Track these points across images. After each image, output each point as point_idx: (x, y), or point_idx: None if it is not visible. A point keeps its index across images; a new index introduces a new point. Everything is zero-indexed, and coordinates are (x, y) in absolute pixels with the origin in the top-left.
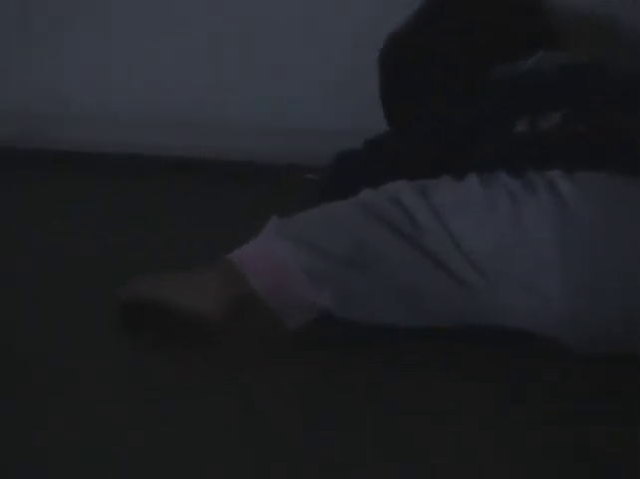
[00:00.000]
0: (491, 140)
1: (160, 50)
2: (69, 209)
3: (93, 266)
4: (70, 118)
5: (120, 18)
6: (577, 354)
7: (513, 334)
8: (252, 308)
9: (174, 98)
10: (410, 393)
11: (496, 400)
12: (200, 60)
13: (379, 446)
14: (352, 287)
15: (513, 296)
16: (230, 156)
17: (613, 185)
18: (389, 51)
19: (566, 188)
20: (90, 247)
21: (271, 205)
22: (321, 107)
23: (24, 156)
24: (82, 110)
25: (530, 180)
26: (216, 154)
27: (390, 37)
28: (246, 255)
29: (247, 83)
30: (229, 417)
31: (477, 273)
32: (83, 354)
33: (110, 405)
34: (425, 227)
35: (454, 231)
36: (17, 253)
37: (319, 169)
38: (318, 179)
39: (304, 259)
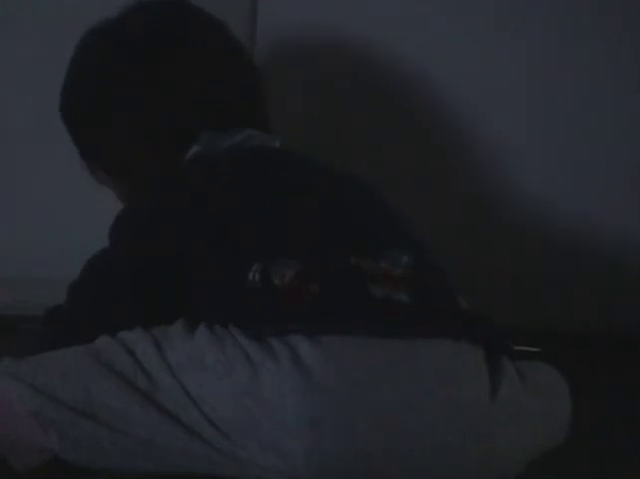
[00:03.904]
0: (220, 286)
1: None
2: None
3: None
4: None
5: None
6: None
7: None
8: None
9: None
10: None
11: None
12: None
13: None
14: (79, 434)
15: (258, 457)
16: None
17: (353, 347)
18: None
19: (307, 353)
20: None
21: None
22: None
23: None
24: None
25: (270, 345)
26: None
27: None
28: None
29: None
30: None
31: (217, 433)
32: None
33: None
34: (160, 383)
35: (190, 391)
36: None
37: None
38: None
39: (32, 402)
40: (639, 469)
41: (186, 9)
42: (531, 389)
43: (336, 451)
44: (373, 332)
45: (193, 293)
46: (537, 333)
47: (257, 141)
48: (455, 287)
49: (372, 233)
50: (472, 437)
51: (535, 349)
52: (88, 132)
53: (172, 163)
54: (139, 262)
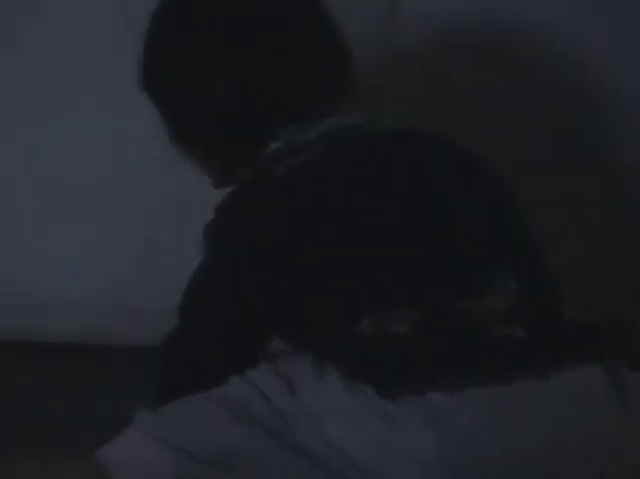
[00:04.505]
0: (331, 337)
1: None
2: None
3: None
4: None
5: None
6: None
7: None
8: None
9: None
10: None
11: None
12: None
13: None
14: None
15: None
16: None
17: (485, 396)
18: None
19: (441, 404)
20: None
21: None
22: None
23: None
24: None
25: (404, 399)
26: None
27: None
28: (114, 458)
29: None
30: None
31: (358, 474)
32: None
33: None
34: (297, 427)
35: (329, 435)
36: None
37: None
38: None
39: (173, 464)
40: None
41: None
42: None
43: None
44: (499, 378)
45: (287, 316)
46: None
47: (337, 125)
48: (561, 297)
49: (477, 258)
50: (609, 462)
51: None
52: (163, 100)
53: (250, 153)
54: (230, 273)
